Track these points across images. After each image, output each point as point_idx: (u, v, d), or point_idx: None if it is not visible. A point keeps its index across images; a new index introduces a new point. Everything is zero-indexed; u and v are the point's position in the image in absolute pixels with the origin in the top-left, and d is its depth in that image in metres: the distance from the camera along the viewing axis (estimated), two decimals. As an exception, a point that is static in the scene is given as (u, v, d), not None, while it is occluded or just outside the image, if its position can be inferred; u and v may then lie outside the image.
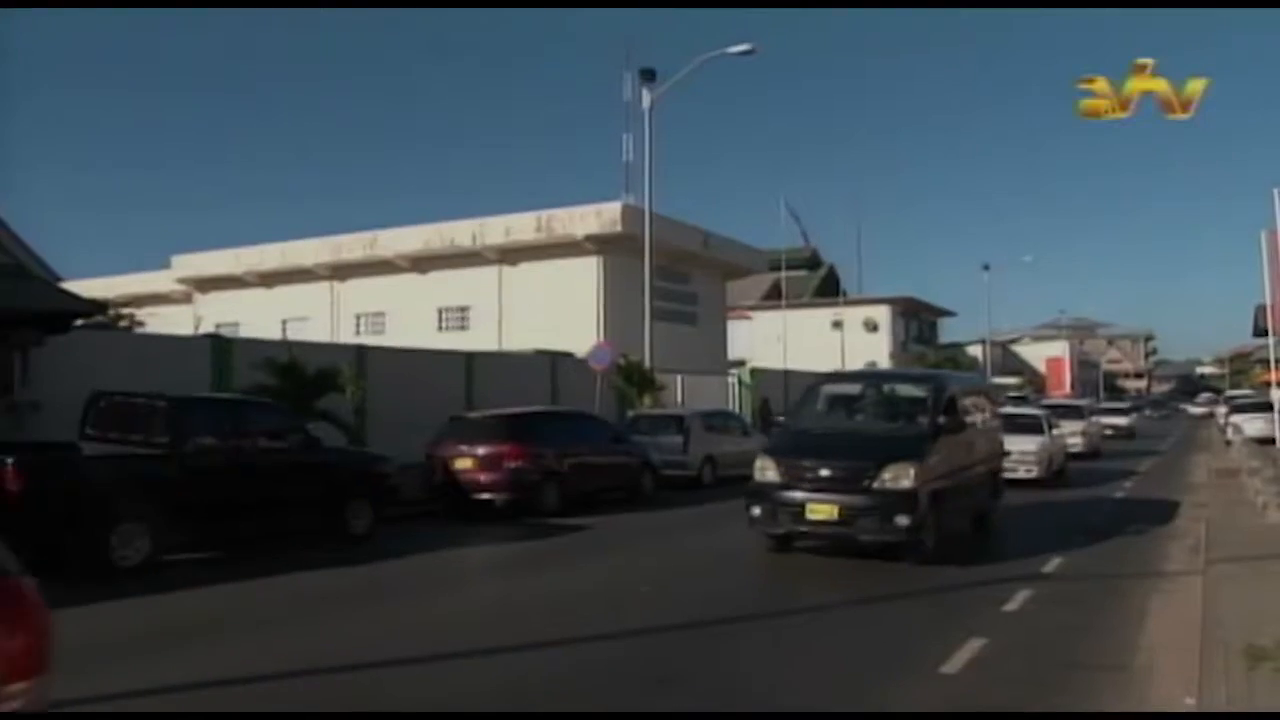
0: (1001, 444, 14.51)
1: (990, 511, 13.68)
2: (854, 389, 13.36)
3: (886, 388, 13.15)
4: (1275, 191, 22.57)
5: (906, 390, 12.94)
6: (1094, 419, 32.39)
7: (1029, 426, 21.70)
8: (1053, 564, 11.16)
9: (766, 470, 11.23)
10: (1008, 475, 19.25)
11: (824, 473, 10.85)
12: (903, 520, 10.31)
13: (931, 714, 6.31)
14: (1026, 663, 7.18)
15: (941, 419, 11.37)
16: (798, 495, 10.80)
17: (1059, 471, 21.74)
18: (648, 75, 27.69)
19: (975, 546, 12.36)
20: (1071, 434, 27.10)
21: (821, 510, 10.63)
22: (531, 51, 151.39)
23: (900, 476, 10.46)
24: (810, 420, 12.50)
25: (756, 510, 11.09)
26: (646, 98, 25.85)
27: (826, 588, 10.18)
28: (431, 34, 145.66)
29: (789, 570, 11.26)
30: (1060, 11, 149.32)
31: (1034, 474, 19.85)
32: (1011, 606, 8.97)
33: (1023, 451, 19.64)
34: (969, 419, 12.48)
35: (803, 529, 10.93)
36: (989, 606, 8.90)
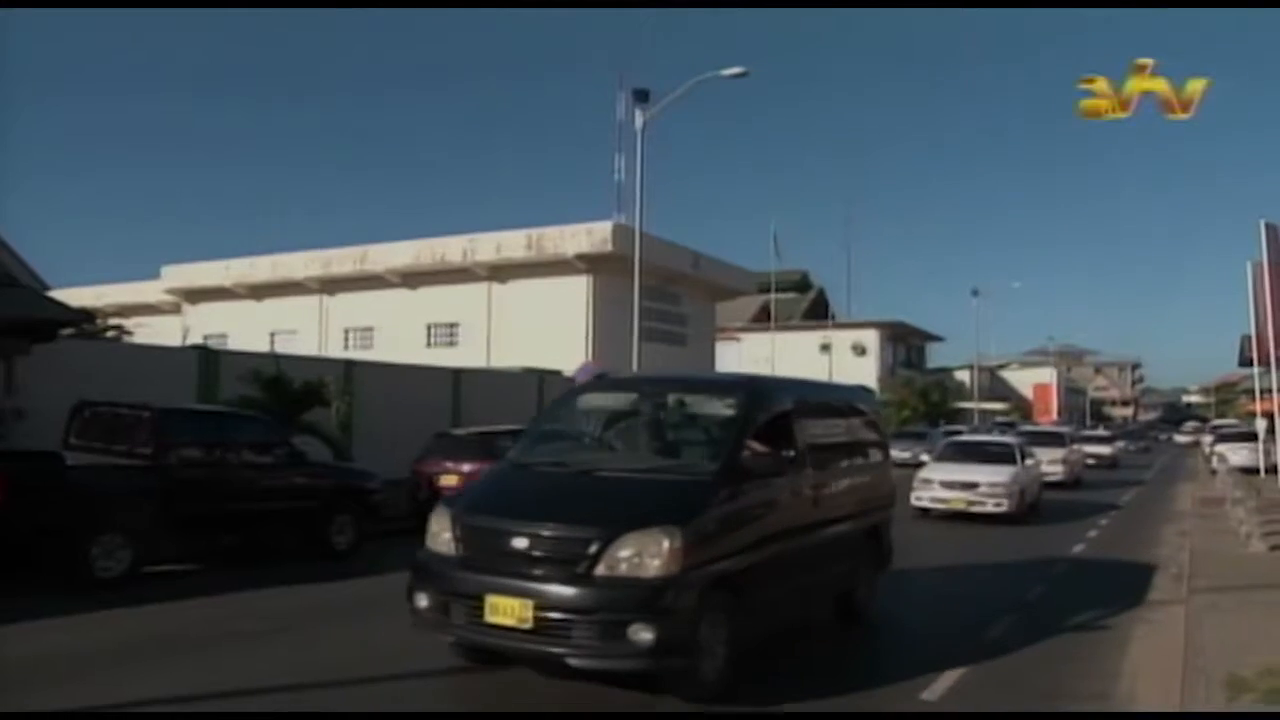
0: (889, 484, 10.08)
1: (865, 587, 9.25)
2: (625, 401, 8.51)
3: (674, 399, 8.23)
4: (1260, 223, 22.89)
5: (703, 404, 8.23)
6: (1075, 447, 31.74)
7: (1000, 456, 20.19)
8: (1035, 593, 11.16)
9: (440, 534, 6.82)
10: (976, 509, 17.94)
11: (517, 543, 6.34)
12: (643, 635, 5.87)
13: (931, 714, 6.31)
14: (1008, 691, 7.18)
15: (751, 450, 7.25)
16: (476, 580, 6.37)
17: (1033, 505, 19.89)
18: (640, 96, 27.71)
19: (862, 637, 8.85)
20: (1051, 462, 26.39)
21: (506, 609, 6.12)
22: (525, 71, 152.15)
23: (644, 554, 6.05)
24: (543, 449, 8.07)
25: (421, 600, 6.66)
26: (639, 118, 25.92)
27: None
28: (425, 51, 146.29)
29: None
30: (1054, 39, 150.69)
31: (1004, 508, 18.07)
32: (994, 633, 8.96)
33: (992, 484, 18.28)
34: (819, 449, 8.23)
35: (483, 637, 6.40)
36: (970, 634, 8.89)
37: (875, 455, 9.78)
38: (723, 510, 6.65)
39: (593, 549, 6.11)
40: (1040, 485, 21.35)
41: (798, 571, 7.58)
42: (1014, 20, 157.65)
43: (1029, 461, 20.71)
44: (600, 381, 10.18)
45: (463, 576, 6.46)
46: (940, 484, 18.62)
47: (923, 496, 18.65)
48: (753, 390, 8.01)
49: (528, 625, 6.06)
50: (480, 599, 6.25)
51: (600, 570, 6.08)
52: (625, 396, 8.67)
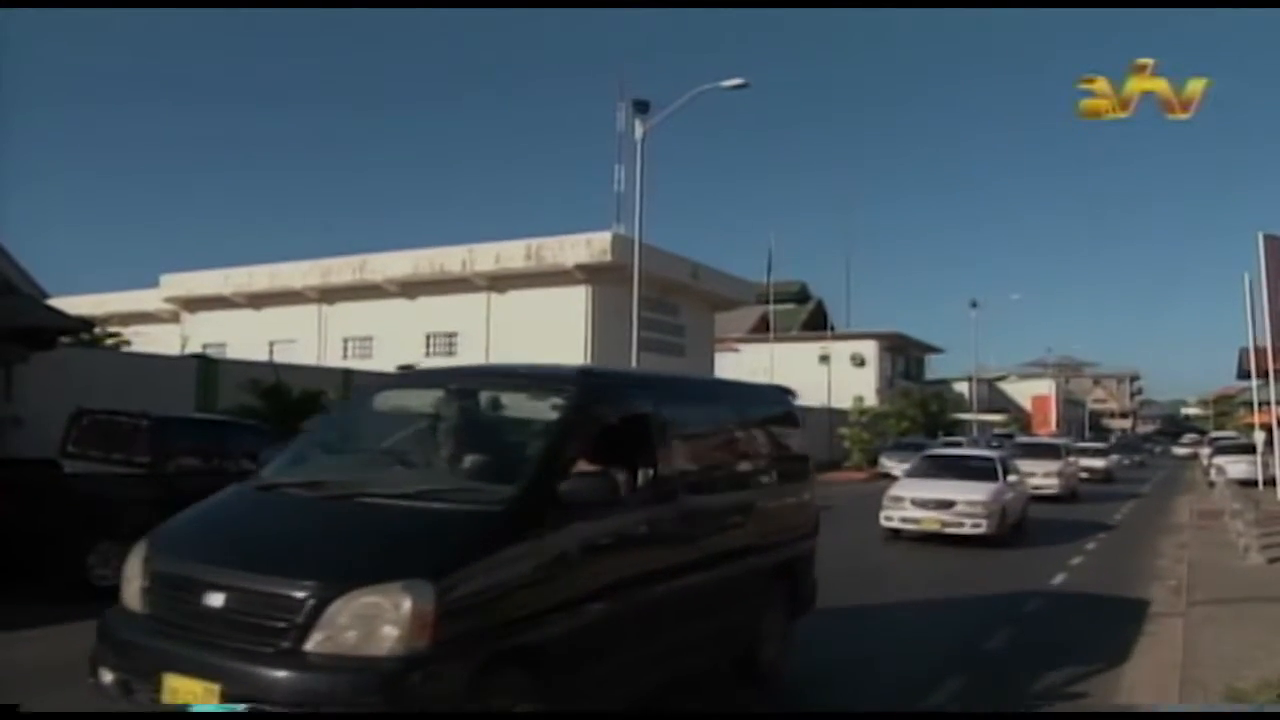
0: (809, 509, 8.11)
1: (776, 639, 7.33)
2: (429, 401, 6.40)
3: (487, 398, 6.39)
4: (1259, 235, 22.95)
5: (522, 405, 6.31)
6: (1071, 459, 30.86)
7: (980, 471, 18.16)
8: (1031, 606, 11.16)
9: (130, 582, 5.12)
10: (951, 531, 16.11)
11: (211, 599, 4.60)
12: None
13: (932, 713, 6.30)
14: (1007, 701, 7.18)
15: (576, 470, 5.32)
16: (154, 650, 4.69)
17: (1017, 524, 18.04)
18: (640, 107, 27.85)
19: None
20: (1046, 475, 26.22)
21: (188, 693, 4.42)
22: (525, 81, 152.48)
23: (377, 620, 4.32)
24: (311, 464, 6.07)
25: (105, 674, 4.90)
26: (639, 129, 26.02)
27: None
28: (425, 61, 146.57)
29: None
30: (1053, 51, 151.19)
31: (982, 529, 16.19)
32: (992, 645, 8.96)
33: (970, 502, 16.41)
34: (700, 466, 6.62)
35: None
36: (969, 643, 8.89)
37: (791, 473, 7.89)
38: (518, 553, 4.76)
39: (305, 612, 4.32)
40: (1025, 503, 19.50)
41: (657, 632, 5.73)
42: (1011, 32, 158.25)
43: (1012, 477, 18.78)
44: (403, 375, 8.31)
45: (142, 644, 4.75)
46: (911, 502, 16.87)
47: (892, 516, 17.00)
48: (588, 387, 5.94)
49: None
50: (158, 678, 4.49)
51: (314, 643, 4.29)
52: (430, 395, 6.53)
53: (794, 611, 7.68)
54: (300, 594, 4.37)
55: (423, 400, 6.51)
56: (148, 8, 71.72)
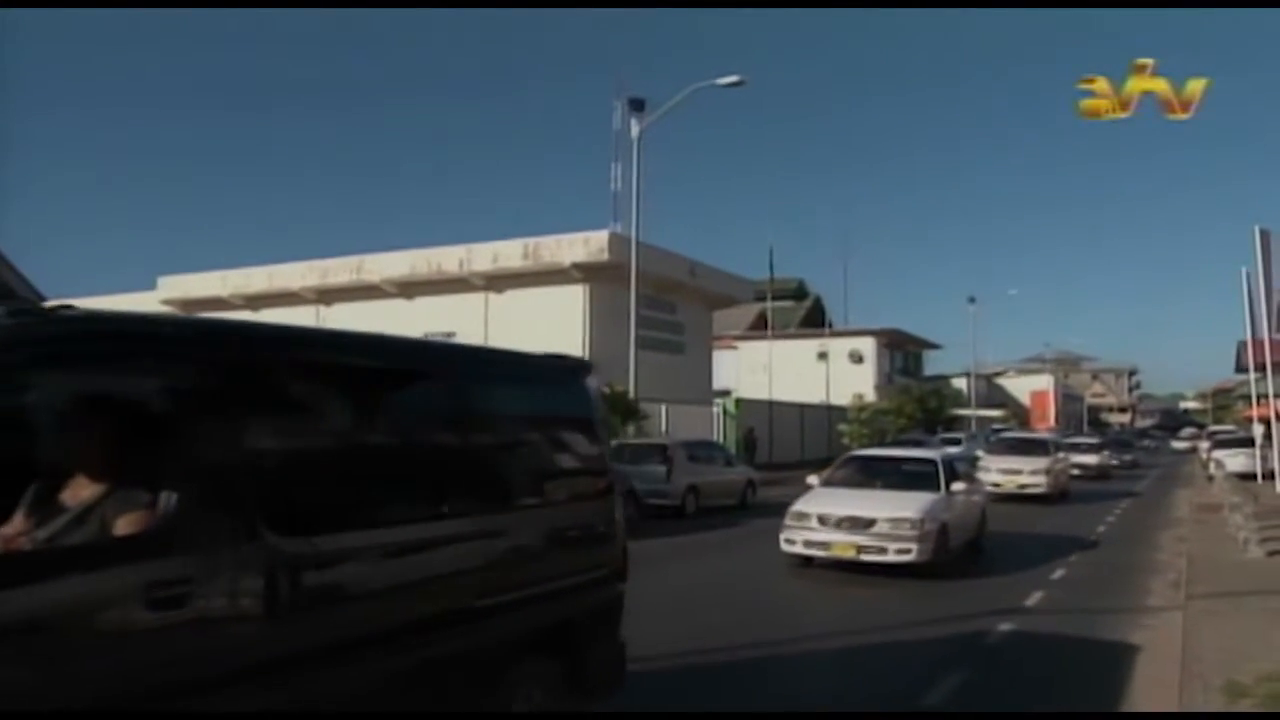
0: (605, 542, 5.54)
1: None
2: None
3: None
4: (1255, 228, 22.94)
5: None
6: (1061, 456, 28.42)
7: (914, 479, 13.87)
8: (1034, 599, 11.16)
9: None
10: (869, 558, 12.24)
11: None
12: None
13: (932, 714, 6.30)
14: (1009, 697, 7.18)
15: None
16: None
17: (971, 544, 14.34)
18: (636, 105, 27.92)
19: None
20: (1034, 473, 24.85)
21: None
22: (521, 80, 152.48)
23: None
24: None
25: None
26: (635, 127, 26.02)
27: (808, 618, 10.06)
28: (421, 61, 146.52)
29: (791, 599, 11.17)
30: (1051, 48, 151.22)
31: (911, 556, 12.16)
32: (993, 640, 8.95)
33: (895, 519, 12.41)
34: (319, 482, 4.00)
35: None
36: (966, 639, 8.89)
37: (573, 490, 5.53)
38: None
39: None
40: (980, 516, 15.17)
41: None
42: (1010, 29, 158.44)
43: (959, 485, 14.01)
44: None
45: None
46: (819, 520, 12.77)
47: (794, 539, 12.89)
48: (11, 341, 3.11)
49: None
50: None
51: None
52: None
53: (580, 696, 5.15)
54: None
55: None
56: (144, 8, 71.71)
